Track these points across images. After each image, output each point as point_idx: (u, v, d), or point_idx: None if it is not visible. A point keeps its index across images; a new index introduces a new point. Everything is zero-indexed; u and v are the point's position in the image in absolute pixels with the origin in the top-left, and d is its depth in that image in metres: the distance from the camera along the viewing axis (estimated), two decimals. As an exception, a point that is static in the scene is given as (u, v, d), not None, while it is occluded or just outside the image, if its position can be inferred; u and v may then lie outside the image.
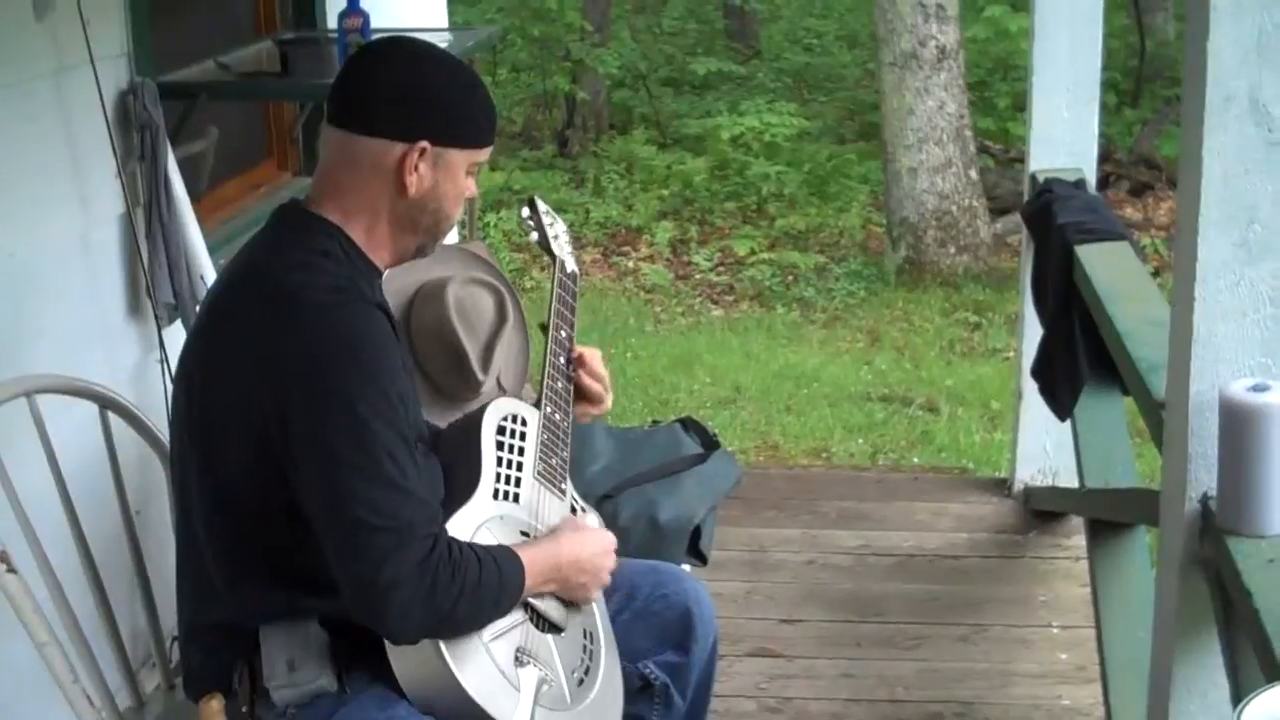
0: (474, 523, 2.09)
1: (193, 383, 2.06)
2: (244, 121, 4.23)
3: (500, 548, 2.06)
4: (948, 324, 7.89)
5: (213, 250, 3.30)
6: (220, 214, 3.80)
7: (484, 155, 2.13)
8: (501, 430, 2.24)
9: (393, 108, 2.04)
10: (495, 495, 2.16)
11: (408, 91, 2.05)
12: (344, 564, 1.92)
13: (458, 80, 2.11)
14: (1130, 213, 9.31)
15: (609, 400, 2.47)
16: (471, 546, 2.01)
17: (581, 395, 2.43)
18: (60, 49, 2.95)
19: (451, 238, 4.67)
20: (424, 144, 2.04)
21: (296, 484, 1.94)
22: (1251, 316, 1.96)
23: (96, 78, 2.98)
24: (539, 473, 2.25)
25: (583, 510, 2.33)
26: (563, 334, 2.42)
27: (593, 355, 2.44)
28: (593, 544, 2.19)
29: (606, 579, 2.22)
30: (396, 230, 2.09)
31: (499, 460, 2.20)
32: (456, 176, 2.09)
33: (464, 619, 1.98)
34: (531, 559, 2.08)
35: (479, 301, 3.39)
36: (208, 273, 3.23)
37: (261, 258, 2.07)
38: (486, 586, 1.99)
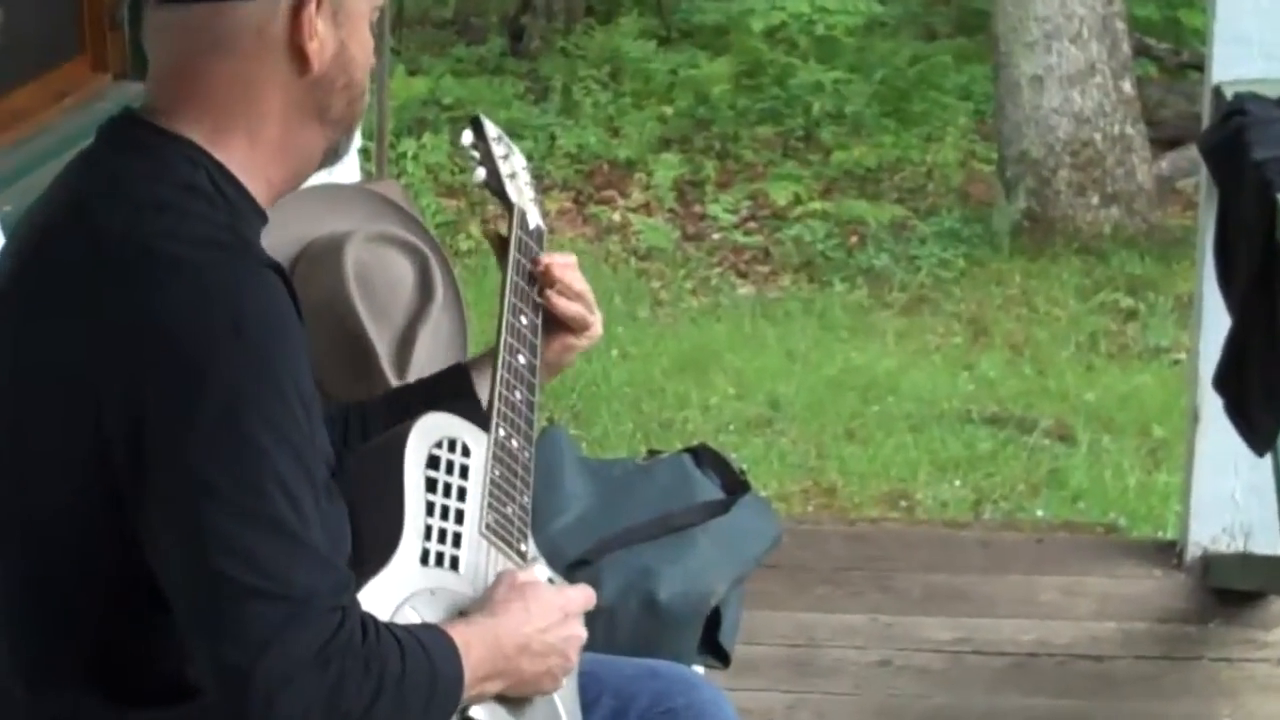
0: (394, 599, 2.10)
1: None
2: (43, 4, 4.24)
3: (426, 628, 2.07)
4: (1087, 310, 7.93)
5: (-1, 185, 3.32)
6: (11, 133, 3.80)
7: None
8: (434, 463, 2.24)
9: None
10: (424, 559, 2.17)
11: None
12: (209, 647, 1.91)
13: None
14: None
15: (598, 325, 2.54)
16: (389, 627, 2.02)
17: (558, 324, 2.48)
18: None
19: (351, 173, 4.68)
20: None
21: (144, 527, 1.93)
22: None
23: None
24: (487, 526, 2.26)
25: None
26: (523, 321, 2.43)
27: (564, 265, 2.48)
28: (540, 614, 2.18)
29: (574, 656, 2.22)
30: (296, 130, 2.08)
31: (430, 507, 2.21)
32: (361, 30, 2.10)
33: (379, 735, 1.99)
34: (466, 642, 2.08)
35: (391, 268, 3.40)
36: (-10, 215, 3.24)
37: (92, 199, 2.05)
38: (412, 685, 1.98)
